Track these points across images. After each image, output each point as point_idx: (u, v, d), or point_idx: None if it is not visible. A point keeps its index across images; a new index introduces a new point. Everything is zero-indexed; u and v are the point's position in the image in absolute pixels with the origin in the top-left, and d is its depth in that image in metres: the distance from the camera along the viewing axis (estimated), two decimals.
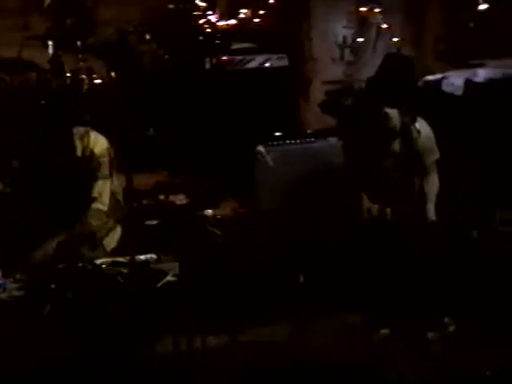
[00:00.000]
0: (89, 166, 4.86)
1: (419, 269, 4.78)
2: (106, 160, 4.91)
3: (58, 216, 4.83)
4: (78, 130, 4.90)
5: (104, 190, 4.92)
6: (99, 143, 4.90)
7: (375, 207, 5.48)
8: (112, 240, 4.99)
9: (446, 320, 4.68)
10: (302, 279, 4.95)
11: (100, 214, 4.91)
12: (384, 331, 4.57)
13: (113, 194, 4.97)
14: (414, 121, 5.41)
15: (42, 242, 4.76)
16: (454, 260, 4.83)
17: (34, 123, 5.01)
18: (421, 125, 5.44)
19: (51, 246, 4.71)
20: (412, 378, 4.06)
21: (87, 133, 4.90)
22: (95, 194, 4.89)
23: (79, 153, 4.84)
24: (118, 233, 5.03)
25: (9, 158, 5.13)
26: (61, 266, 4.44)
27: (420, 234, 5.13)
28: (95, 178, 4.88)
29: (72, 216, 4.85)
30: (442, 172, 5.51)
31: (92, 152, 4.85)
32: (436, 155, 5.48)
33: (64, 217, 4.84)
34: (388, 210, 5.43)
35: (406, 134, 5.40)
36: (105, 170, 4.91)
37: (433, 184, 5.47)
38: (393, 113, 5.41)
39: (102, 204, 4.91)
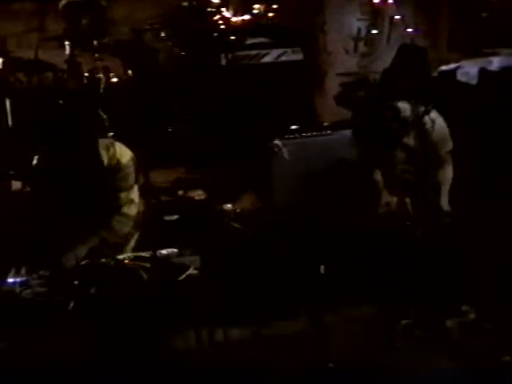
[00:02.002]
0: (115, 176, 4.94)
1: (435, 259, 4.80)
2: (131, 170, 5.01)
3: (84, 221, 4.91)
4: (103, 141, 5.00)
5: (131, 198, 5.03)
6: (125, 154, 5.01)
7: (394, 200, 5.50)
8: (131, 245, 5.06)
9: (465, 308, 4.69)
10: (322, 270, 4.98)
11: (128, 220, 4.99)
12: (405, 321, 4.57)
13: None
14: (428, 112, 5.40)
15: (67, 242, 4.83)
16: (469, 250, 4.84)
17: (54, 127, 5.06)
18: (434, 116, 5.44)
19: (81, 251, 4.78)
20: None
21: (112, 144, 5.00)
22: (123, 201, 4.97)
23: (105, 163, 4.92)
24: (134, 239, 5.10)
25: (29, 159, 5.19)
26: (84, 262, 4.50)
27: (434, 225, 5.14)
28: (122, 187, 4.97)
29: (99, 222, 4.94)
30: (456, 162, 5.51)
31: (119, 162, 4.94)
32: (450, 146, 5.48)
33: (91, 222, 4.92)
34: (407, 203, 5.44)
35: (419, 125, 5.40)
36: (131, 179, 5.02)
37: (447, 175, 5.48)
38: (404, 106, 5.41)
39: (130, 211, 5.00)
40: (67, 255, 4.72)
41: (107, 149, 4.95)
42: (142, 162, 5.33)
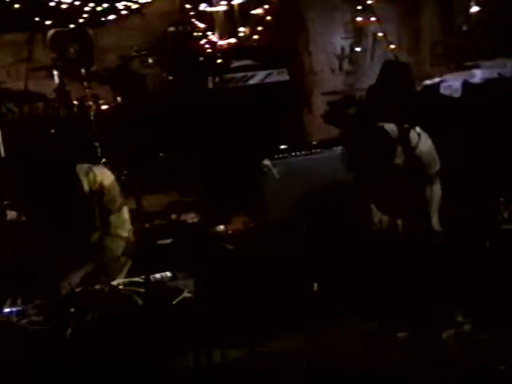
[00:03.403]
0: (102, 200, 4.98)
1: (429, 274, 4.83)
2: (117, 191, 5.04)
3: (75, 246, 4.95)
4: (82, 167, 4.99)
5: (122, 219, 5.06)
6: (106, 176, 5.02)
7: (385, 218, 5.52)
8: (123, 274, 5.08)
9: (460, 319, 4.73)
10: (315, 288, 5.02)
11: (121, 241, 5.04)
12: (401, 334, 4.60)
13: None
14: (412, 127, 5.43)
15: (61, 270, 4.86)
16: (460, 265, 4.88)
17: (41, 154, 5.12)
18: (422, 137, 5.47)
19: (77, 277, 4.81)
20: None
21: (91, 168, 4.99)
22: (114, 223, 5.01)
23: (86, 188, 4.94)
24: (127, 268, 5.12)
25: (20, 188, 5.22)
26: (79, 289, 4.53)
27: (428, 242, 5.16)
28: (111, 210, 5.01)
29: (93, 247, 4.98)
30: (444, 178, 5.53)
31: (102, 185, 4.97)
32: (437, 166, 5.51)
33: (82, 247, 4.96)
34: (398, 221, 5.46)
35: (405, 143, 5.43)
36: (119, 200, 5.05)
37: (436, 194, 5.48)
38: (390, 127, 5.45)
39: (121, 230, 5.04)
40: (63, 282, 4.75)
41: (86, 173, 4.96)
42: (134, 187, 5.38)
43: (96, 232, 4.99)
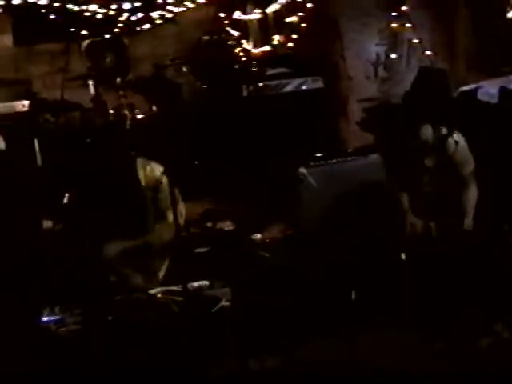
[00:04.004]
0: (156, 194, 5.07)
1: (466, 280, 4.80)
2: (167, 188, 5.12)
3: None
4: (139, 160, 5.29)
5: (177, 207, 5.11)
6: (160, 172, 5.26)
7: (420, 222, 5.49)
8: (163, 272, 5.12)
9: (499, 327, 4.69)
10: (354, 296, 5.00)
11: (171, 228, 5.05)
12: (439, 345, 4.57)
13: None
14: (450, 134, 5.41)
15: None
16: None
17: (91, 158, 5.23)
18: (457, 137, 5.44)
19: (121, 246, 4.89)
20: None
21: (148, 163, 5.29)
22: (169, 217, 5.07)
23: (143, 180, 5.16)
24: (166, 264, 5.17)
25: (62, 195, 5.30)
26: (117, 297, 4.56)
27: (462, 245, 5.13)
28: (166, 207, 5.07)
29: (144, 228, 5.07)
30: (480, 182, 5.50)
31: (156, 180, 5.09)
32: (472, 166, 5.47)
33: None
34: (432, 225, 5.43)
35: (441, 147, 5.41)
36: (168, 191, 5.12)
37: (471, 195, 5.46)
38: (426, 128, 5.43)
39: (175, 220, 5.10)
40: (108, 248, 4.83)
41: (144, 167, 5.24)
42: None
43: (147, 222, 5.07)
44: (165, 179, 5.14)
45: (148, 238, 5.11)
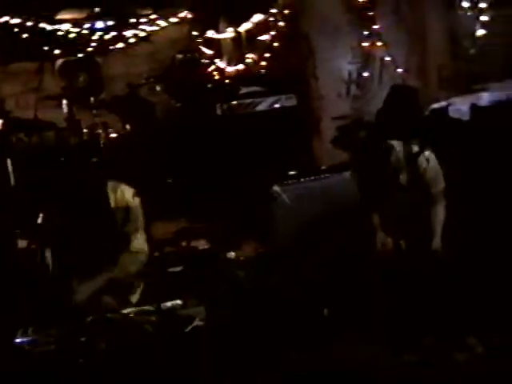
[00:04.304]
0: (125, 217, 5.03)
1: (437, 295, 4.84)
2: (140, 210, 5.10)
3: (95, 260, 4.98)
4: (109, 183, 5.11)
5: (141, 238, 5.10)
6: (131, 194, 5.11)
7: (390, 240, 5.51)
8: (136, 297, 5.09)
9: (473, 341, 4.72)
10: (326, 313, 5.02)
11: (138, 258, 5.07)
12: (409, 357, 4.60)
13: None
14: (421, 151, 5.44)
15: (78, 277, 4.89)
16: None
17: (62, 180, 5.17)
18: (428, 155, 5.47)
19: (90, 286, 4.84)
20: None
21: (118, 185, 5.11)
22: (133, 242, 5.05)
23: (113, 204, 5.03)
24: (139, 291, 5.13)
25: (35, 215, 5.26)
26: (90, 318, 4.54)
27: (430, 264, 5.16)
28: (134, 229, 5.05)
29: (109, 260, 5.01)
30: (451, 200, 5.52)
31: (127, 203, 5.03)
32: (442, 185, 5.48)
33: (101, 260, 4.99)
34: (402, 243, 5.45)
35: (413, 165, 5.43)
36: (141, 219, 5.11)
37: (440, 214, 5.45)
38: (398, 145, 5.46)
39: (141, 249, 5.07)
40: (77, 291, 4.79)
41: (114, 190, 5.06)
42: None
43: (116, 247, 5.03)
44: (135, 201, 5.08)
45: (115, 272, 5.02)
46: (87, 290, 4.83)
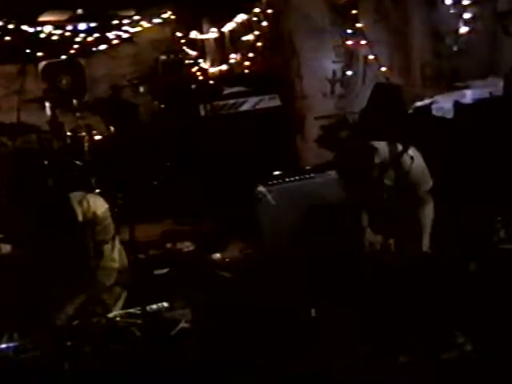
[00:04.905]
0: (94, 229, 4.94)
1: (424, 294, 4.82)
2: (110, 221, 5.00)
3: (69, 277, 4.91)
4: (75, 195, 4.92)
5: (112, 249, 5.02)
6: (99, 205, 4.95)
7: (378, 239, 5.50)
8: (122, 301, 5.05)
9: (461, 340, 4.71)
10: (313, 313, 5.00)
11: (112, 272, 5.01)
12: (402, 358, 4.57)
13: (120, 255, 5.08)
14: (405, 151, 5.41)
15: (56, 303, 4.83)
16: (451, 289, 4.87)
17: (36, 187, 5.08)
18: (413, 153, 5.45)
19: (70, 309, 4.79)
20: None
21: (84, 197, 4.92)
22: (106, 254, 4.98)
23: (80, 217, 4.89)
24: (123, 299, 5.08)
25: (14, 221, 5.21)
26: (75, 322, 4.51)
27: (417, 265, 5.14)
28: (104, 240, 4.98)
29: (83, 277, 4.94)
30: (437, 198, 5.50)
31: (95, 215, 4.92)
32: (429, 184, 5.46)
33: (75, 278, 4.92)
34: (390, 242, 5.43)
35: (397, 165, 5.41)
36: (111, 230, 5.01)
37: (428, 214, 5.43)
38: (381, 145, 5.45)
39: (113, 261, 5.01)
40: (57, 315, 4.73)
41: (80, 202, 4.89)
42: (128, 217, 5.37)
43: (89, 263, 4.96)
44: (101, 210, 4.98)
45: (92, 290, 4.96)
46: (65, 312, 4.78)
